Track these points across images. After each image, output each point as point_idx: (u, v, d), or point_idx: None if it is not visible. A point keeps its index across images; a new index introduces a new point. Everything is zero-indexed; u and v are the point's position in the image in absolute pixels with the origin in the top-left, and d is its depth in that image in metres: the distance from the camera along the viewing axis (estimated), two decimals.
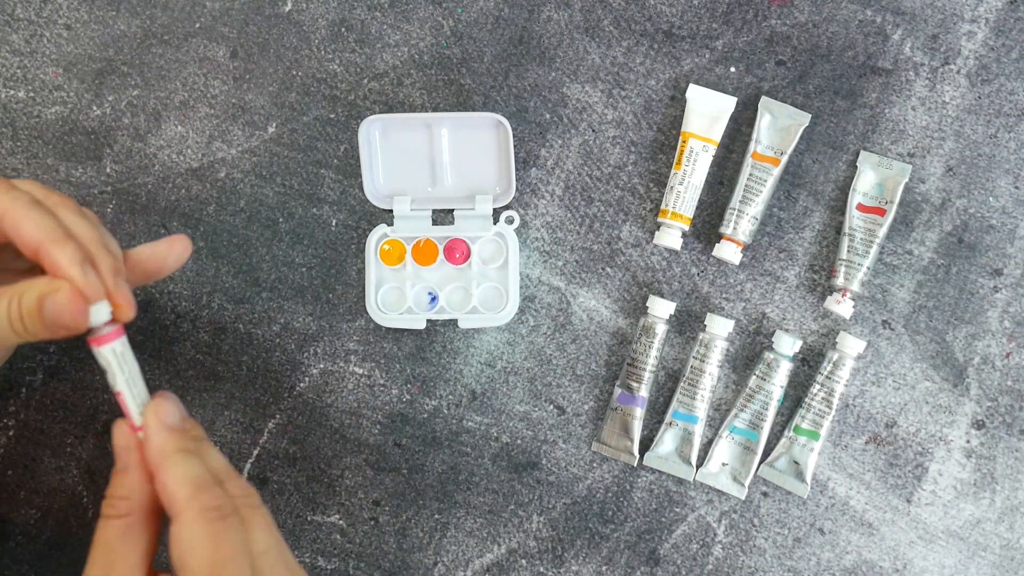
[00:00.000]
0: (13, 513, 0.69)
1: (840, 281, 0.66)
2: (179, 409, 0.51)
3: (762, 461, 0.67)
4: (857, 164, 0.67)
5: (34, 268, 0.53)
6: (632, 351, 0.67)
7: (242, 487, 0.49)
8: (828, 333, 0.67)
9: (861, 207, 0.67)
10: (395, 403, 0.69)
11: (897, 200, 0.66)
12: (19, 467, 0.69)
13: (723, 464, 0.67)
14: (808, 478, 0.66)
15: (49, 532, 0.69)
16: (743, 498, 0.67)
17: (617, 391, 0.67)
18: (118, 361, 0.51)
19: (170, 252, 0.55)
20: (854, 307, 0.67)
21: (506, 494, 0.68)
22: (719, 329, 0.66)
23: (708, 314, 0.67)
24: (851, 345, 0.66)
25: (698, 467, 0.67)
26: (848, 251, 0.66)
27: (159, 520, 0.50)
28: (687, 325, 0.68)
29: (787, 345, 0.66)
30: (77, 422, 0.69)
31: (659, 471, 0.68)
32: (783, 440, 0.67)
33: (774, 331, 0.67)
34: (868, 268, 0.66)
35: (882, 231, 0.66)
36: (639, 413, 0.67)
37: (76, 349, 0.70)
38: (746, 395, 0.67)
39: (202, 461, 0.49)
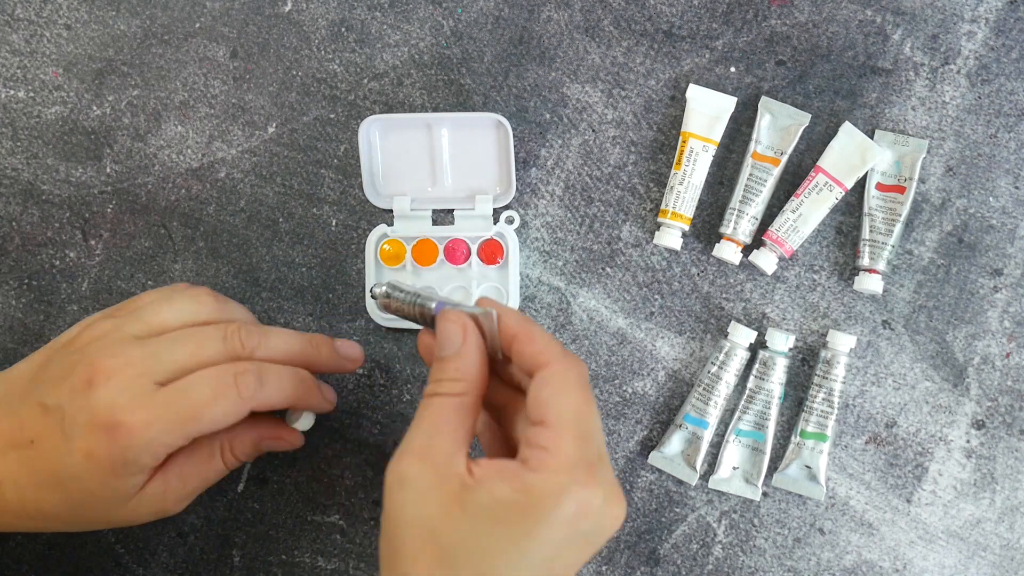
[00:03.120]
0: None
1: (865, 261, 0.66)
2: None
3: (772, 461, 0.67)
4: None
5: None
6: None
7: None
8: (828, 333, 0.67)
9: (880, 186, 0.67)
10: (395, 403, 0.69)
11: (916, 176, 0.66)
12: None
13: (734, 468, 0.67)
14: (822, 480, 0.66)
15: (49, 532, 0.69)
16: (758, 499, 0.67)
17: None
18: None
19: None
20: (882, 283, 0.66)
21: None
22: (741, 339, 0.66)
23: (732, 322, 0.66)
24: (841, 341, 0.65)
25: (704, 473, 0.67)
26: (871, 231, 0.66)
27: (480, 406, 0.51)
28: (686, 325, 0.68)
29: (780, 341, 0.66)
30: None
31: (661, 471, 0.68)
32: (791, 446, 0.66)
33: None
34: (893, 247, 0.66)
35: (904, 209, 0.66)
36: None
37: None
38: (747, 397, 0.67)
39: None
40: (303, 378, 0.57)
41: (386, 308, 0.55)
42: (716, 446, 0.67)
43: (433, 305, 0.53)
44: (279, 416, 0.62)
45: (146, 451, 0.52)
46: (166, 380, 0.53)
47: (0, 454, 0.53)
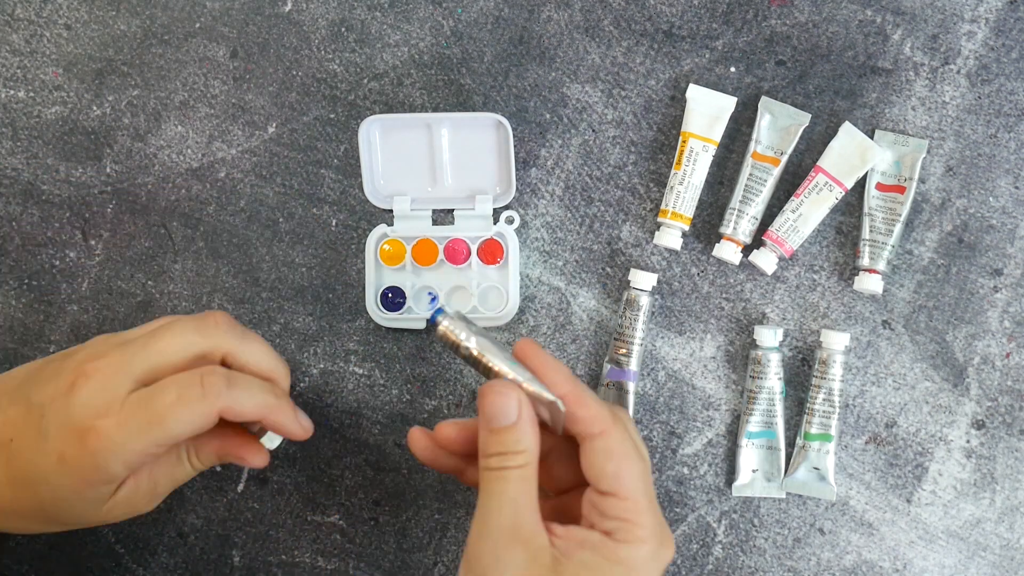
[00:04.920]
0: None
1: (865, 262, 0.66)
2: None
3: (787, 456, 0.67)
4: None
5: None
6: (618, 325, 0.67)
7: None
8: (821, 332, 0.67)
9: (880, 186, 0.67)
10: (395, 403, 0.69)
11: (916, 176, 0.66)
12: None
13: (753, 471, 0.67)
14: (832, 479, 0.66)
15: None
16: (783, 496, 0.67)
17: (607, 367, 0.67)
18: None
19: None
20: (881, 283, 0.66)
21: None
22: (768, 340, 0.66)
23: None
24: (835, 340, 0.65)
25: (730, 482, 0.67)
26: (871, 231, 0.66)
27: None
28: (687, 325, 0.68)
29: (769, 337, 0.66)
30: None
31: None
32: (797, 450, 0.66)
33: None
34: (893, 247, 0.66)
35: (904, 209, 0.66)
36: (631, 387, 0.67)
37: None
38: (748, 398, 0.66)
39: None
40: (275, 392, 0.56)
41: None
42: (731, 451, 0.68)
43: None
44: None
45: (117, 459, 0.51)
46: (144, 381, 0.52)
47: None
